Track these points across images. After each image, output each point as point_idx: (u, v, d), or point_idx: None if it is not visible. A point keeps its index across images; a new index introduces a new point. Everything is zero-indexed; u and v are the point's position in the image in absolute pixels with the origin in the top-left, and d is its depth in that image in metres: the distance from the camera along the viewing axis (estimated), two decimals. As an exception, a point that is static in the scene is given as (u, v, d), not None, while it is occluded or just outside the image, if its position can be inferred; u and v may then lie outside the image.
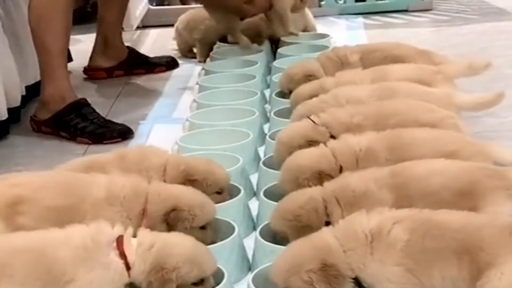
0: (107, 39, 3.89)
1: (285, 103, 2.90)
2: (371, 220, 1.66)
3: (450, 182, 1.86)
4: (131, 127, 3.13)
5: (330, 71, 2.94)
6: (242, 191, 2.24)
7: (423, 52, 3.03)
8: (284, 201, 1.98)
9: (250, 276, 1.84)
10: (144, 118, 3.32)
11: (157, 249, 1.69)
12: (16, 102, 3.30)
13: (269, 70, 3.58)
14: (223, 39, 3.97)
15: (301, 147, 2.25)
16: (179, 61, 4.12)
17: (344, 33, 4.48)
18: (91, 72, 3.97)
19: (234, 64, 3.55)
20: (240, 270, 2.01)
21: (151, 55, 4.12)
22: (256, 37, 3.84)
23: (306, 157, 2.16)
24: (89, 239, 1.68)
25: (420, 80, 2.66)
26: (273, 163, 2.38)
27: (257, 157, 2.65)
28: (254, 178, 2.51)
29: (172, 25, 4.32)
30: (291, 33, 3.80)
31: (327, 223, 1.84)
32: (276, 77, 3.22)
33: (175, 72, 4.02)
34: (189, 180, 2.12)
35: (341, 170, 2.10)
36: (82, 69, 3.99)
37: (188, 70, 4.01)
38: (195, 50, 4.19)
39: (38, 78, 3.39)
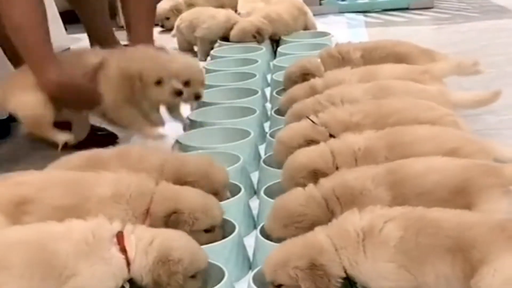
0: (99, 43, 3.91)
1: (285, 101, 2.90)
2: (363, 219, 1.67)
3: (446, 179, 1.86)
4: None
5: (331, 68, 2.94)
6: (243, 190, 2.24)
7: (425, 50, 3.03)
8: (278, 208, 1.97)
9: (250, 275, 1.85)
10: (145, 117, 3.31)
11: (159, 243, 1.71)
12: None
13: (269, 69, 3.58)
14: (224, 38, 3.98)
15: (300, 147, 2.25)
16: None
17: (345, 31, 4.49)
18: None
19: (234, 62, 3.55)
20: (241, 269, 2.01)
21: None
22: (256, 36, 3.84)
23: (303, 156, 2.16)
24: (90, 234, 1.69)
25: (409, 80, 2.66)
26: (274, 162, 2.38)
27: (257, 156, 2.65)
28: (254, 177, 2.52)
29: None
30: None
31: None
32: (276, 76, 3.23)
33: (176, 70, 4.02)
34: (186, 181, 2.11)
35: (337, 169, 2.10)
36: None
37: (189, 68, 4.01)
38: (195, 48, 4.20)
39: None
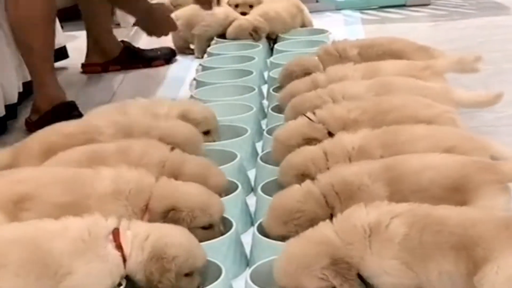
0: (97, 40, 3.91)
1: (282, 99, 2.90)
2: (370, 214, 1.66)
3: (442, 176, 1.86)
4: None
5: (329, 66, 2.93)
6: (240, 187, 2.24)
7: (422, 47, 3.02)
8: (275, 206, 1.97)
9: (248, 271, 1.84)
10: (142, 114, 3.31)
11: (154, 239, 1.71)
12: (13, 99, 3.30)
13: (266, 66, 3.58)
14: (221, 35, 3.97)
15: (299, 145, 2.24)
16: (177, 57, 4.12)
17: (341, 28, 4.48)
18: (87, 68, 3.98)
19: (231, 59, 3.55)
20: (238, 266, 2.01)
21: (148, 49, 4.13)
22: (253, 34, 3.83)
23: (295, 157, 2.16)
24: (86, 231, 1.69)
25: (410, 76, 2.66)
26: (271, 159, 2.38)
27: (254, 153, 2.65)
28: (251, 174, 2.51)
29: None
30: None
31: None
32: (273, 73, 3.22)
33: (173, 67, 4.02)
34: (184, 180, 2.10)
35: None
36: (79, 65, 3.99)
37: (186, 65, 4.00)
38: (192, 46, 4.18)
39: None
